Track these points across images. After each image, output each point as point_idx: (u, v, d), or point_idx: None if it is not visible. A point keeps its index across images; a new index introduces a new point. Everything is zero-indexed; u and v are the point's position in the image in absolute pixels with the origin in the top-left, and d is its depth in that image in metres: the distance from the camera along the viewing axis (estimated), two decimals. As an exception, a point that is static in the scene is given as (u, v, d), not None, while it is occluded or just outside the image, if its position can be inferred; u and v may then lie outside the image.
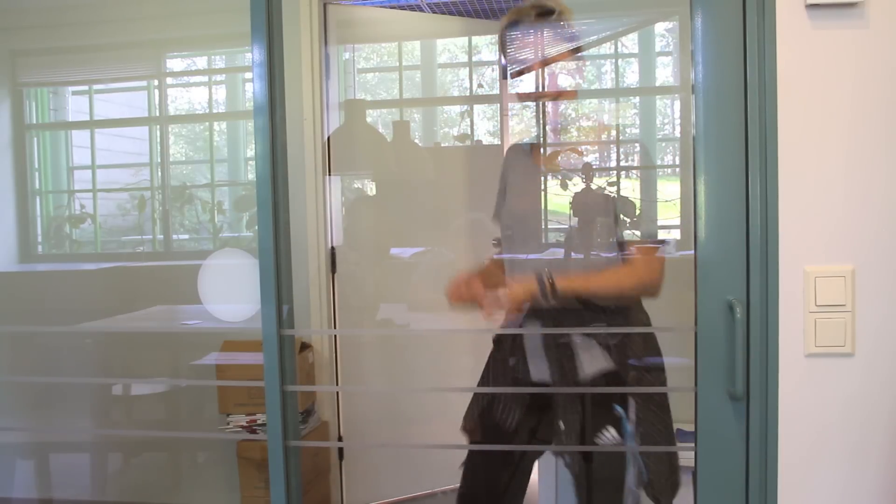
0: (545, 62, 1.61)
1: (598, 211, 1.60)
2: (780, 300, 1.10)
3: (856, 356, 1.11)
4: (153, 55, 3.04)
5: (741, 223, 1.10)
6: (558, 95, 1.66)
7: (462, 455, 1.75)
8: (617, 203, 1.60)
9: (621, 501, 1.62)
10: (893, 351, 1.10)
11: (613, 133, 1.91)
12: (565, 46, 1.61)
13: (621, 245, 1.57)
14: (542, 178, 1.70)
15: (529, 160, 1.75)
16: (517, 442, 1.68)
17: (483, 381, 1.74)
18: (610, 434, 1.59)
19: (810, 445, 1.12)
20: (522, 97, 1.72)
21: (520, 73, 1.64)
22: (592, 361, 1.59)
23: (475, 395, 1.74)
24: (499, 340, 1.72)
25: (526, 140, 1.93)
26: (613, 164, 1.81)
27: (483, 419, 1.70)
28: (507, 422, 1.66)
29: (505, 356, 1.69)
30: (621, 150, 1.84)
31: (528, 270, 1.59)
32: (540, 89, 1.66)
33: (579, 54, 1.63)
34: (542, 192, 1.70)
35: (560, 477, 2.28)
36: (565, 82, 1.65)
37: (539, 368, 1.63)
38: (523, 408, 1.66)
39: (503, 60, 1.66)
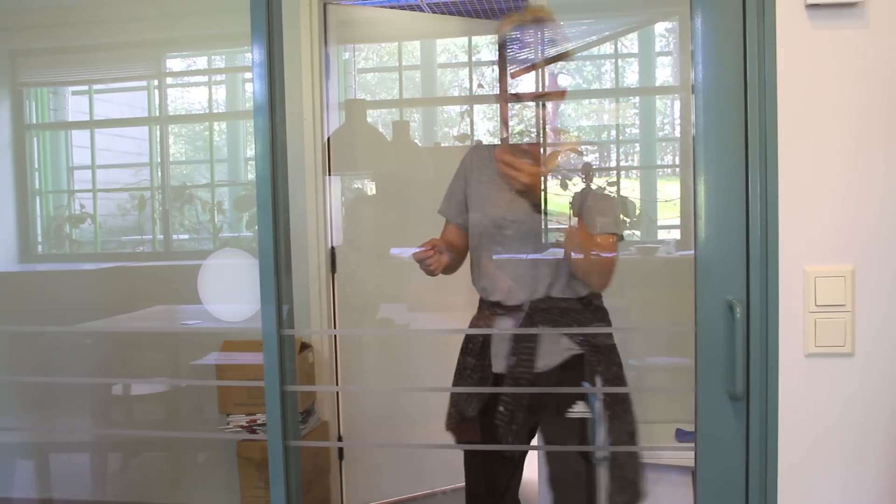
0: (538, 64, 1.64)
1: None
2: (779, 300, 1.10)
3: (856, 356, 1.11)
4: (153, 55, 3.04)
5: (741, 223, 1.10)
6: (547, 96, 1.68)
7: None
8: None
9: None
10: (893, 351, 1.10)
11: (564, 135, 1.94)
12: (558, 48, 1.64)
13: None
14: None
15: (490, 161, 1.75)
16: (507, 434, 1.70)
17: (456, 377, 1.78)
18: (580, 408, 1.62)
19: (810, 445, 1.12)
20: (497, 99, 1.74)
21: (519, 73, 1.65)
22: (558, 350, 1.64)
23: (452, 394, 1.78)
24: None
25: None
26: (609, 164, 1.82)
27: (463, 415, 1.74)
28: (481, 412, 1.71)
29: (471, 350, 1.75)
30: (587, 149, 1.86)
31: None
32: (538, 90, 1.67)
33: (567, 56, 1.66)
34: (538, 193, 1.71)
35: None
36: (563, 82, 1.66)
37: (497, 360, 1.69)
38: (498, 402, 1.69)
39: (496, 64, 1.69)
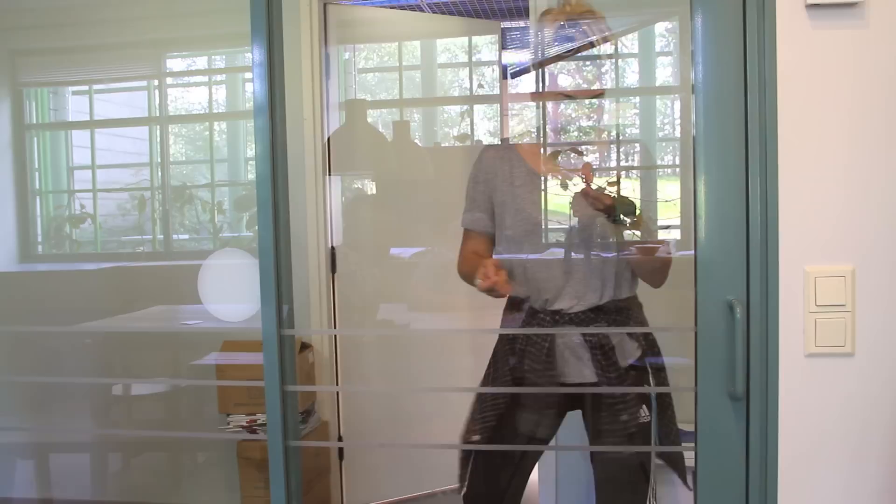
0: (555, 58, 1.63)
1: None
2: (780, 300, 1.10)
3: (856, 356, 1.11)
4: (153, 55, 3.04)
5: (741, 223, 1.10)
6: (590, 94, 1.68)
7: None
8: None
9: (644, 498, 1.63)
10: (893, 351, 1.10)
11: (610, 135, 1.92)
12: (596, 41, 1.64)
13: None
14: (539, 177, 1.68)
15: (519, 162, 1.70)
16: (518, 443, 1.68)
17: (492, 381, 1.72)
18: (643, 412, 1.62)
19: (810, 445, 1.12)
20: (534, 97, 1.73)
21: (532, 68, 1.65)
22: (628, 352, 1.62)
23: (479, 406, 1.72)
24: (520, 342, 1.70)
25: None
26: (613, 164, 1.82)
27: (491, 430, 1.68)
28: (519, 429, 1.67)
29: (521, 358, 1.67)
30: (621, 150, 1.85)
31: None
32: (543, 88, 1.67)
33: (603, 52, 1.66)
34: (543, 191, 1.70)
35: (560, 477, 2.28)
36: (572, 81, 1.66)
37: (575, 369, 1.62)
38: (535, 411, 1.67)
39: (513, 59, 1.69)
